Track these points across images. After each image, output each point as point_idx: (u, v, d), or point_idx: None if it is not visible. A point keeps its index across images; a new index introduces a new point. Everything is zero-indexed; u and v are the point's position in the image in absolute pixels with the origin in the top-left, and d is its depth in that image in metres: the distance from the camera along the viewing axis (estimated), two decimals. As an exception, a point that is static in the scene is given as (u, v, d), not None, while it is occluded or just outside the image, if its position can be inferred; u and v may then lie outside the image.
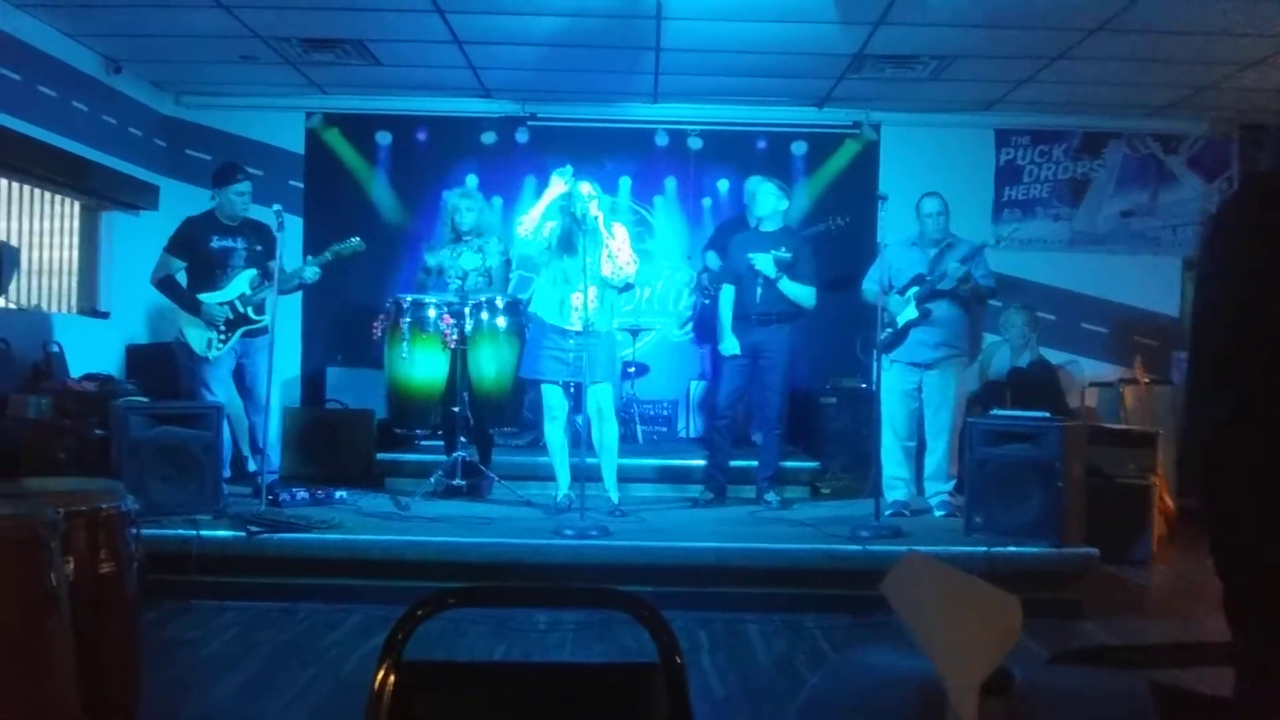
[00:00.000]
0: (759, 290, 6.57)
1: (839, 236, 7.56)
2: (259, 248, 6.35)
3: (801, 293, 6.58)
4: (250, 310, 6.44)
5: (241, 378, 6.63)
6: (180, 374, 7.92)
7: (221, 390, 6.56)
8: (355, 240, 6.62)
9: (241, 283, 6.50)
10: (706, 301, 8.24)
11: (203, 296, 6.50)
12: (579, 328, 6.01)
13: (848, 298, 7.19)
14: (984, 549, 5.42)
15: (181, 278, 6.59)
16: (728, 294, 6.75)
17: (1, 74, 6.88)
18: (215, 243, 6.53)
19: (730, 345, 6.68)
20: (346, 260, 6.66)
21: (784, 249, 6.58)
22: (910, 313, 6.43)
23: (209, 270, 6.53)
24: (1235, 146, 9.00)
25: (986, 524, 5.68)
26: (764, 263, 6.53)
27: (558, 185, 6.17)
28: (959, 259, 6.39)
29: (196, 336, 6.52)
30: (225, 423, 6.42)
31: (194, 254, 6.55)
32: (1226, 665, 1.56)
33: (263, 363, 6.42)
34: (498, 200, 8.95)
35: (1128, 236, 9.11)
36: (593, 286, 6.03)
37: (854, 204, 8.08)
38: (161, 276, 6.57)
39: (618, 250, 6.17)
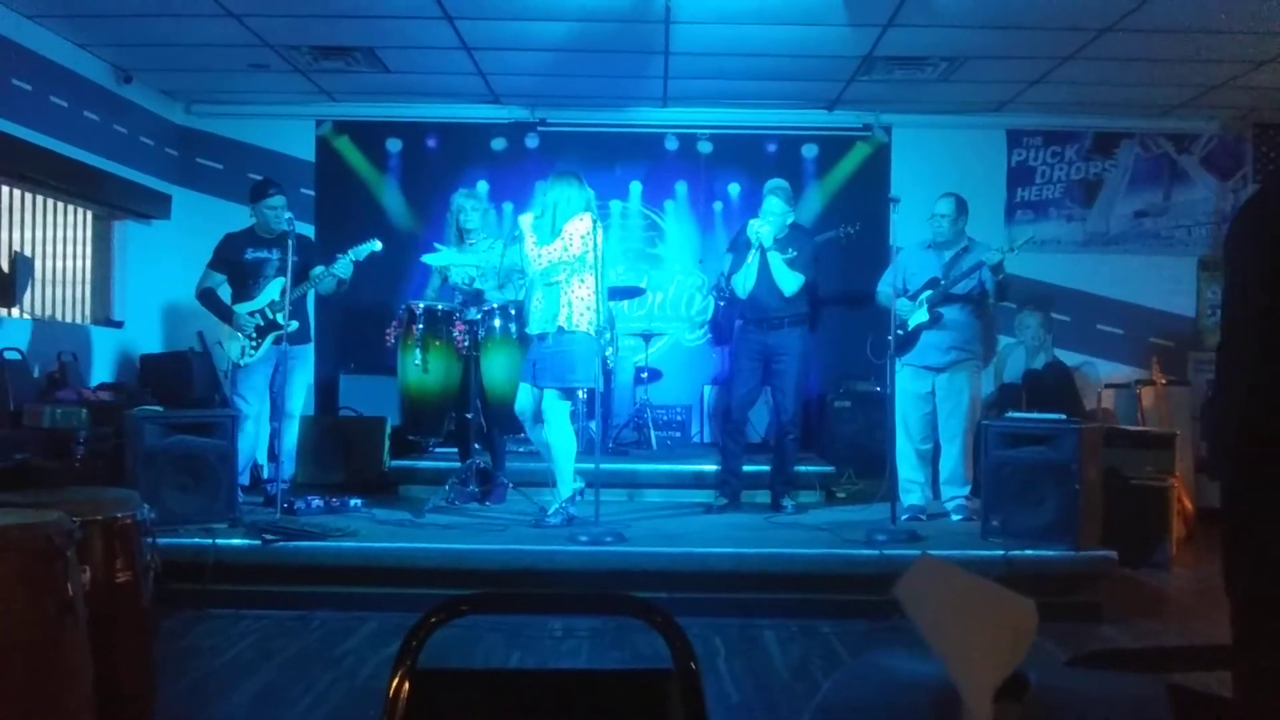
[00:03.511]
0: (757, 276, 6.56)
1: (850, 240, 7.52)
2: (295, 258, 6.38)
3: (788, 276, 6.51)
4: (279, 316, 6.48)
5: (272, 384, 6.68)
6: (195, 383, 7.97)
7: (255, 398, 6.68)
8: (374, 241, 6.66)
9: (273, 291, 6.61)
10: (723, 304, 8.24)
11: (236, 307, 6.66)
12: (539, 330, 6.00)
13: (860, 301, 7.15)
14: (1001, 552, 5.40)
15: (225, 292, 6.75)
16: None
17: (13, 85, 6.92)
18: (250, 255, 6.70)
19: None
20: (364, 263, 6.70)
21: (791, 249, 6.56)
22: (921, 315, 6.40)
23: (244, 281, 6.70)
24: (1249, 145, 8.97)
25: (1003, 527, 5.66)
26: (764, 233, 6.52)
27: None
28: (978, 262, 6.32)
29: (232, 345, 6.69)
30: (250, 430, 6.53)
31: (231, 267, 6.73)
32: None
33: (294, 371, 6.60)
34: (508, 206, 8.97)
35: (1141, 237, 9.07)
36: (538, 290, 6.01)
37: (865, 207, 8.06)
38: (202, 290, 6.76)
39: (530, 248, 6.01)
